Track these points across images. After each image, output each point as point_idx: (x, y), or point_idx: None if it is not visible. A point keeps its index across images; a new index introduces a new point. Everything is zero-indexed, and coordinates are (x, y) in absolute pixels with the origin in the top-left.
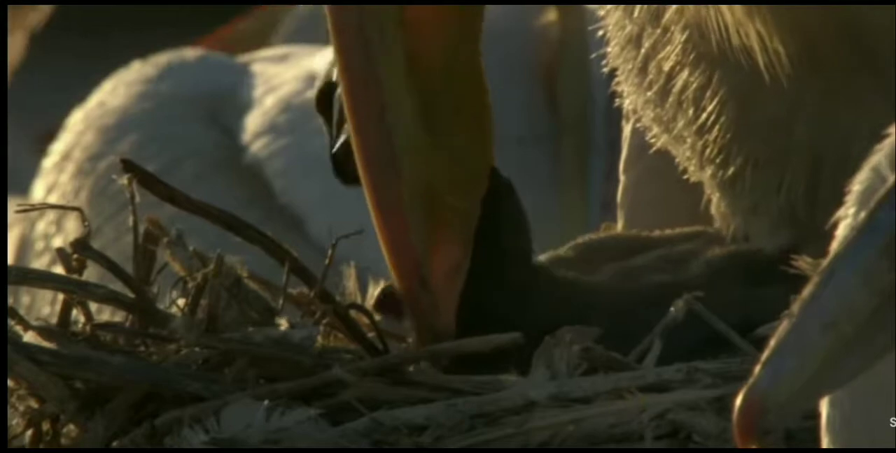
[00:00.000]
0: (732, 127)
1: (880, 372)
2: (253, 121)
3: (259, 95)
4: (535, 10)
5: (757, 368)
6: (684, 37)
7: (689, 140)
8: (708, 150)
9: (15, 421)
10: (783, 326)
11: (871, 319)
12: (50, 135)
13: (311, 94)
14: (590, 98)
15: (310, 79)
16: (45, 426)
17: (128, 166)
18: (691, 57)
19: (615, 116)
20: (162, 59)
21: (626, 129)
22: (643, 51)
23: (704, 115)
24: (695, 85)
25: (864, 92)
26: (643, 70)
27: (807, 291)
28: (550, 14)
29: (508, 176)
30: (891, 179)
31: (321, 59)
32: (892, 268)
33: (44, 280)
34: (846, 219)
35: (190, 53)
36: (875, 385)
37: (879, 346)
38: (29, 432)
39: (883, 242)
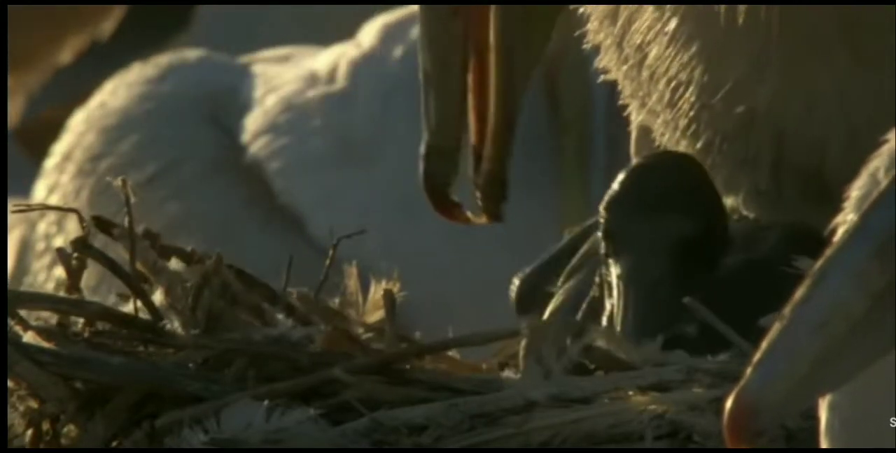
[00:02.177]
0: (701, 95)
1: (878, 376)
2: (253, 121)
3: (260, 95)
4: None
5: (748, 370)
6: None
7: (661, 114)
8: (679, 123)
9: (15, 422)
10: (774, 328)
11: (864, 321)
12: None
13: (312, 93)
14: (590, 97)
15: (311, 79)
16: (45, 426)
17: (99, 223)
18: (662, 23)
19: (616, 115)
20: (163, 59)
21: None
22: (619, 24)
23: (674, 84)
24: (665, 54)
25: (833, 57)
26: (619, 44)
27: (798, 293)
28: None
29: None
30: (884, 182)
31: (322, 60)
32: (885, 269)
33: (37, 301)
34: (844, 226)
35: (191, 54)
36: (873, 388)
37: (872, 349)
38: (29, 432)
39: (875, 244)
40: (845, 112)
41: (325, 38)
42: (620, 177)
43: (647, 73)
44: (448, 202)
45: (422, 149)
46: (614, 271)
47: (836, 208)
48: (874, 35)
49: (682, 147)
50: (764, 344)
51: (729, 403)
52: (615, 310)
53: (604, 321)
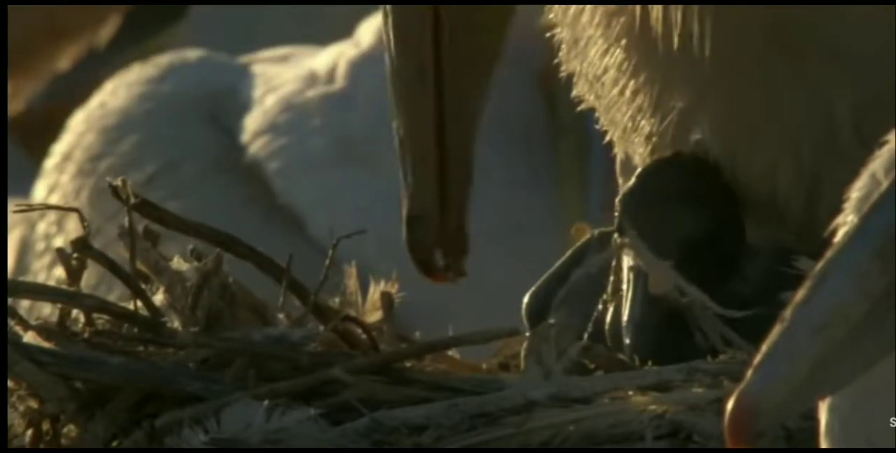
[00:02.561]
0: (655, 125)
1: (878, 377)
2: (253, 121)
3: (259, 95)
4: (533, 10)
5: (748, 372)
6: (606, 17)
7: (630, 140)
8: (645, 150)
9: (15, 422)
10: (775, 330)
11: (864, 323)
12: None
13: (312, 93)
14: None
15: (310, 78)
16: (45, 426)
17: (118, 192)
18: (610, 55)
19: None
20: (163, 59)
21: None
22: (579, 54)
23: (630, 112)
24: (618, 84)
25: (770, 72)
26: (584, 74)
27: (799, 295)
28: (549, 14)
29: (508, 176)
30: (884, 184)
31: (321, 59)
32: (885, 271)
33: (35, 292)
34: (845, 227)
35: (191, 54)
36: (873, 389)
37: (872, 351)
38: (29, 432)
39: (875, 245)
40: (791, 139)
41: (323, 37)
42: (637, 172)
43: (605, 102)
44: (435, 267)
45: (403, 216)
46: (626, 264)
47: (795, 230)
48: (806, 35)
49: (636, 158)
50: (764, 346)
51: (730, 405)
52: (624, 302)
53: (610, 312)
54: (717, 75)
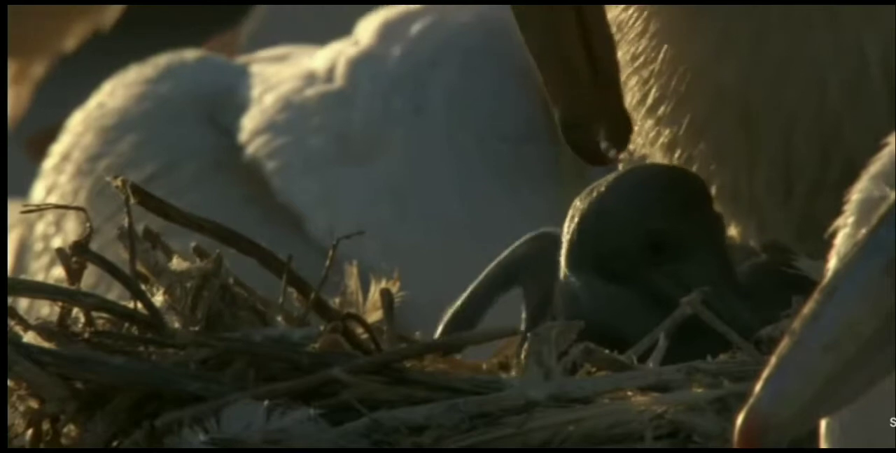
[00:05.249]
0: (667, 83)
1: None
2: (251, 120)
3: (258, 94)
4: None
5: (757, 386)
6: None
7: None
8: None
9: (15, 422)
10: (784, 344)
11: (873, 339)
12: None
13: (310, 92)
14: None
15: (309, 77)
16: (45, 426)
17: (123, 182)
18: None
19: None
20: (161, 60)
21: None
22: None
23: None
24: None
25: (801, 28)
26: None
27: (808, 309)
28: None
29: (507, 176)
30: (892, 196)
31: (320, 59)
32: (895, 286)
33: (34, 290)
34: (845, 229)
35: (189, 55)
36: (873, 391)
37: (881, 367)
38: (29, 432)
39: (885, 260)
40: (816, 82)
41: (322, 36)
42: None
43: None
44: (604, 158)
45: (558, 123)
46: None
47: (800, 207)
48: None
49: (657, 156)
50: (773, 360)
51: (739, 420)
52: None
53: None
54: (743, 15)
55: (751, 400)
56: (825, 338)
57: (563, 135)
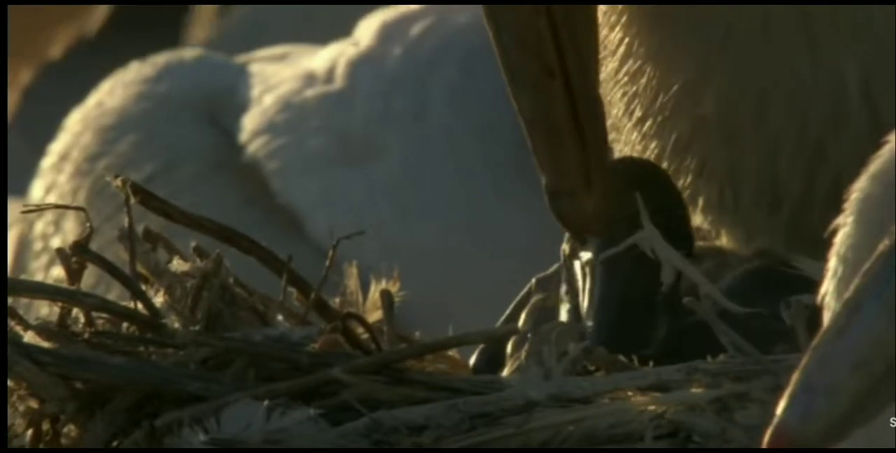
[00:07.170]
0: (652, 102)
1: None
2: (251, 120)
3: (257, 95)
4: None
5: (782, 403)
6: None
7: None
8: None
9: (15, 422)
10: (808, 359)
11: None
12: None
13: (310, 92)
14: None
15: (308, 78)
16: (45, 426)
17: (123, 181)
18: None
19: None
20: (160, 59)
21: None
22: None
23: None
24: (618, 41)
25: (781, 54)
26: None
27: (832, 323)
28: None
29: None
30: None
31: (320, 59)
32: None
33: (34, 290)
34: (844, 228)
35: (188, 54)
36: None
37: None
38: (29, 432)
39: None
40: (797, 108)
41: (321, 36)
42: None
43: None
44: (591, 230)
45: (545, 190)
46: (578, 266)
47: (789, 218)
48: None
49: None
50: (798, 376)
51: (766, 437)
52: (582, 294)
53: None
54: (725, 41)
55: (777, 418)
56: (853, 358)
57: (548, 203)
